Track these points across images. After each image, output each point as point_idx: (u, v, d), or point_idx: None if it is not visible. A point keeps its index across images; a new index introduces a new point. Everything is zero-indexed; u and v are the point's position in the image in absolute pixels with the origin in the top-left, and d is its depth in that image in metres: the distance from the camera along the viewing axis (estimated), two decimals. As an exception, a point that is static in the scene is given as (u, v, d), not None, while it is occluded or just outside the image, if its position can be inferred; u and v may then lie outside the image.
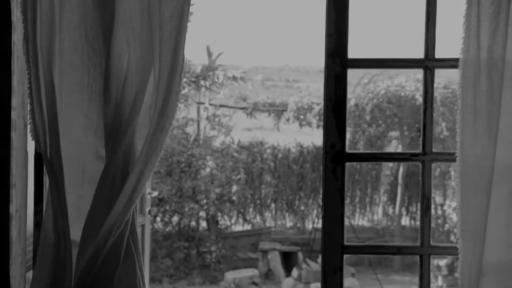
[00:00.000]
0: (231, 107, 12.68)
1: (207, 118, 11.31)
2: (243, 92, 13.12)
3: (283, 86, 25.93)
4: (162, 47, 2.10)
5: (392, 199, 11.81)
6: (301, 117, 11.81)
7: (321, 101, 11.44)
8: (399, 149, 11.18)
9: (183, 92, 11.07)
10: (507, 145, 2.28)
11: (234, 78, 11.63)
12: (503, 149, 2.28)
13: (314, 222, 11.07)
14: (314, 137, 12.07)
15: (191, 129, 10.98)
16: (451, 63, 2.42)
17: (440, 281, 9.35)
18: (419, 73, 10.34)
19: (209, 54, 11.22)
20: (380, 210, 12.17)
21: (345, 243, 2.48)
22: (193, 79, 11.09)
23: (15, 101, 2.32)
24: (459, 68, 2.31)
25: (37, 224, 2.71)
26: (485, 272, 2.28)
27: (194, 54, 12.74)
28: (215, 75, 11.33)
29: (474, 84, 2.28)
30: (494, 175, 2.27)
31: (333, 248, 2.46)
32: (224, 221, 11.10)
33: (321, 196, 10.92)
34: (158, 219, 10.09)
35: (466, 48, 2.29)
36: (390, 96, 10.76)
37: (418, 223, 8.19)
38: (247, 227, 11.65)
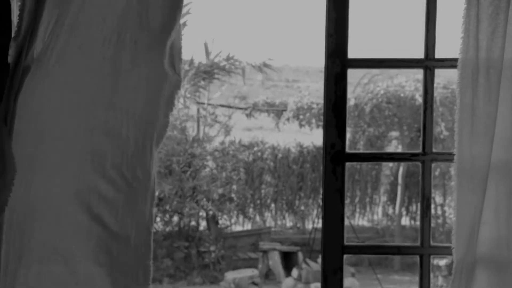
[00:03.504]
0: (230, 107, 12.67)
1: (205, 116, 11.30)
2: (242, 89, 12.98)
3: (283, 86, 25.96)
4: None
5: (392, 199, 11.82)
6: (301, 117, 11.81)
7: (321, 101, 11.44)
8: (399, 149, 11.18)
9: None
10: (502, 143, 2.29)
11: (265, 65, 11.44)
12: (498, 147, 2.29)
13: (314, 222, 11.08)
14: (314, 137, 12.08)
15: (190, 129, 10.98)
16: (451, 63, 2.43)
17: (440, 281, 9.36)
18: (419, 73, 10.33)
19: (207, 53, 11.20)
20: (380, 210, 12.17)
21: (345, 243, 2.48)
22: (204, 70, 10.97)
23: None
24: (457, 68, 2.32)
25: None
26: (475, 266, 2.30)
27: (193, 54, 12.64)
28: (233, 64, 11.17)
29: (472, 84, 2.29)
30: (489, 173, 2.28)
31: (333, 248, 2.46)
32: (224, 221, 11.10)
33: (321, 196, 10.92)
34: (158, 219, 10.09)
35: (465, 48, 2.30)
36: (390, 96, 10.77)
37: (418, 223, 8.19)
38: (247, 227, 11.66)
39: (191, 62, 10.95)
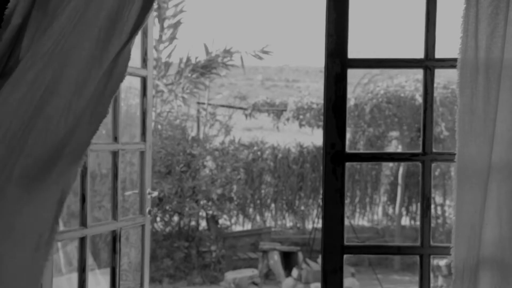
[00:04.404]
0: (230, 107, 12.67)
1: (205, 116, 11.30)
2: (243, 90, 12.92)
3: (283, 86, 25.97)
4: None
5: (392, 199, 11.81)
6: (301, 117, 11.80)
7: (321, 101, 11.42)
8: (399, 149, 11.17)
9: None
10: (504, 144, 2.29)
11: (264, 52, 11.32)
12: (500, 148, 2.29)
13: (314, 222, 11.08)
14: (314, 137, 12.07)
15: (190, 129, 10.97)
16: (451, 63, 2.43)
17: (440, 281, 9.35)
18: (419, 73, 10.32)
19: (207, 53, 11.18)
20: (380, 210, 12.16)
21: (345, 243, 2.49)
22: (202, 65, 10.93)
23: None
24: (457, 68, 2.32)
25: (37, 224, 2.70)
26: (478, 267, 2.30)
27: (193, 53, 12.57)
28: (231, 56, 11.09)
29: (471, 84, 2.30)
30: (491, 173, 2.28)
31: (333, 248, 2.47)
32: (224, 221, 11.10)
33: (321, 196, 10.91)
34: (158, 219, 10.08)
35: (464, 48, 2.30)
36: (390, 96, 10.76)
37: (418, 223, 8.18)
38: (247, 227, 11.66)
39: (187, 59, 10.92)
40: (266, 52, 11.22)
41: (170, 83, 10.88)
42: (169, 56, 10.81)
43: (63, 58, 2.12)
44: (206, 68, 10.90)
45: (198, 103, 11.64)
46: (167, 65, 10.82)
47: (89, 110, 2.18)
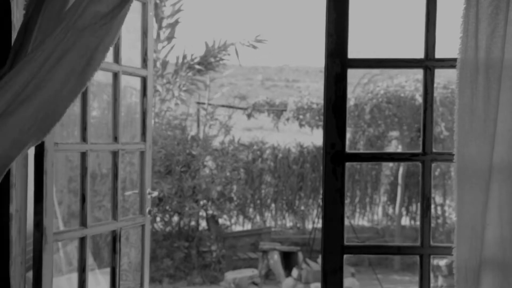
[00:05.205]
0: (230, 107, 12.66)
1: (205, 116, 11.29)
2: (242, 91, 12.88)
3: (283, 86, 25.96)
4: None
5: (392, 199, 11.81)
6: (301, 117, 11.80)
7: (321, 101, 11.42)
8: (399, 149, 11.17)
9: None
10: (505, 144, 2.29)
11: (258, 41, 11.27)
12: (501, 148, 2.29)
13: (314, 222, 11.08)
14: (314, 137, 12.07)
15: (189, 129, 10.97)
16: (450, 63, 2.43)
17: (440, 281, 9.35)
18: (419, 73, 10.32)
19: (208, 51, 11.17)
20: (380, 210, 12.16)
21: (345, 243, 2.49)
22: (198, 62, 10.91)
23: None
24: (456, 68, 2.32)
25: (37, 224, 2.71)
26: (481, 268, 2.30)
27: (189, 51, 12.54)
28: (227, 50, 11.07)
29: (471, 84, 2.30)
30: (492, 174, 2.28)
31: (333, 248, 2.47)
32: (224, 221, 11.10)
33: (321, 196, 10.91)
34: (158, 219, 10.08)
35: (464, 48, 2.30)
36: (390, 96, 10.76)
37: (418, 223, 8.18)
38: (247, 227, 11.66)
39: (184, 57, 10.91)
40: (260, 41, 11.20)
41: (167, 82, 10.87)
42: (166, 55, 10.80)
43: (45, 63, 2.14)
44: (202, 65, 10.89)
45: (198, 103, 11.63)
46: (164, 64, 10.82)
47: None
